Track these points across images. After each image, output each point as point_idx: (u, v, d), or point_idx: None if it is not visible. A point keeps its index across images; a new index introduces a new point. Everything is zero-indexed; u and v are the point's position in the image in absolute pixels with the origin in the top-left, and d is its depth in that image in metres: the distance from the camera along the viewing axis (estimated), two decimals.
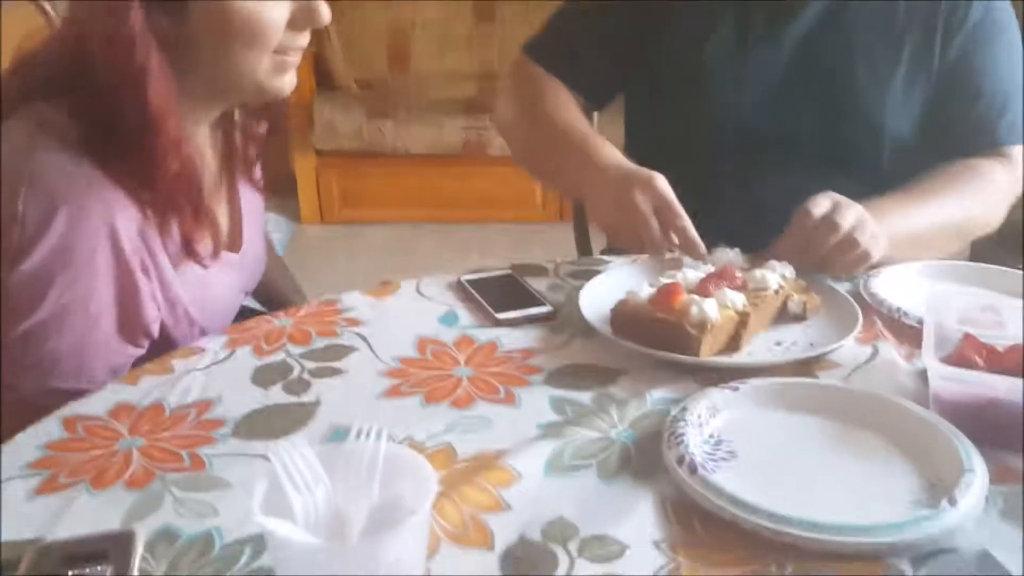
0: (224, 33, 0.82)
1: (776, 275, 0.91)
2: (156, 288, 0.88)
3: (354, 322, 0.93)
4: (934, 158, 1.13)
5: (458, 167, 3.26)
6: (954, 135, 1.13)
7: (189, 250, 0.88)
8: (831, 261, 0.95)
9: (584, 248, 1.58)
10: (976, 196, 1.10)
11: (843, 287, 0.99)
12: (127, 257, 0.84)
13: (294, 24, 0.85)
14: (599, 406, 0.78)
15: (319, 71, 3.36)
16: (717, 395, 0.75)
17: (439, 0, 3.46)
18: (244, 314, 1.23)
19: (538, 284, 1.02)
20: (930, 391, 0.74)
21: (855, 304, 0.92)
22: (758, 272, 0.91)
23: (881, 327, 0.90)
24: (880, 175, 1.13)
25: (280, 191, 3.43)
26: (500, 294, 0.98)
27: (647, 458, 0.71)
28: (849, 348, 0.86)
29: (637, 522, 0.63)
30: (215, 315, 0.97)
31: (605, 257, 1.11)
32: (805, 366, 0.84)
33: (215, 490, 0.68)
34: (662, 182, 0.96)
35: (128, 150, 0.82)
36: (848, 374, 0.83)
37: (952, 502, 0.60)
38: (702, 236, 0.98)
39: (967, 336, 0.78)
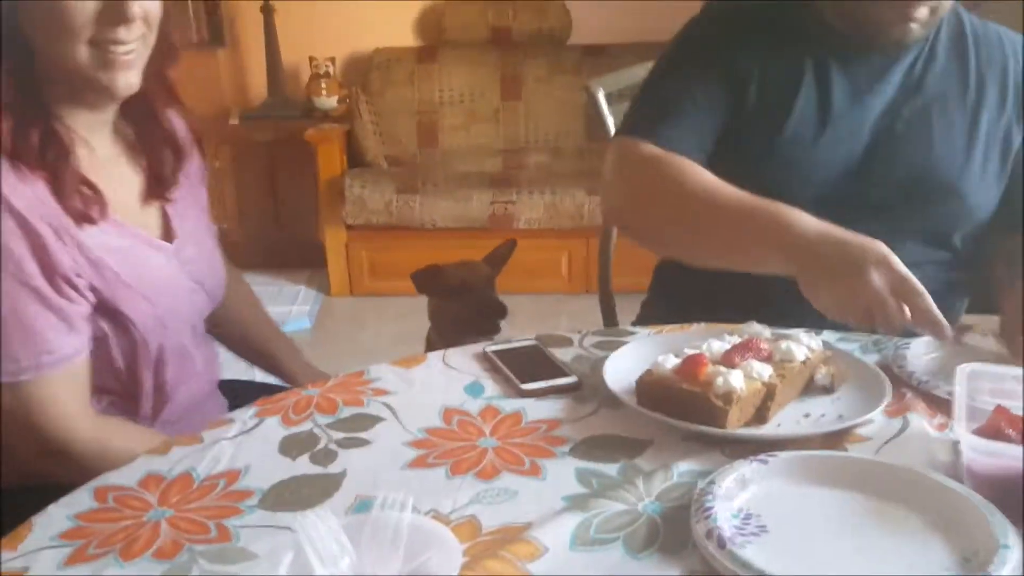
0: (37, 23, 0.89)
1: (803, 346, 0.91)
2: (73, 247, 0.92)
3: (381, 392, 0.94)
4: (1006, 235, 1.16)
5: (485, 239, 3.29)
6: None
7: (65, 207, 0.92)
8: None
9: (610, 319, 1.59)
10: None
11: (871, 359, 0.98)
12: (21, 212, 0.88)
13: (104, 19, 0.89)
14: (625, 478, 0.78)
15: (351, 149, 3.45)
16: (746, 468, 0.74)
17: (466, 78, 3.56)
18: (267, 390, 1.25)
19: (563, 355, 1.02)
20: (963, 464, 0.73)
21: (883, 376, 0.91)
22: (784, 343, 0.91)
23: (912, 398, 0.89)
24: (956, 248, 1.17)
25: (311, 264, 3.49)
26: (525, 365, 0.99)
27: (675, 532, 0.70)
28: (879, 421, 0.85)
29: None
30: (159, 292, 1.01)
31: (631, 328, 1.12)
32: (834, 439, 0.83)
33: (241, 562, 0.68)
34: (895, 257, 0.90)
35: None
36: (879, 447, 0.82)
37: None
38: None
39: (999, 408, 0.77)
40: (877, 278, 0.89)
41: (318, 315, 3.23)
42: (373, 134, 3.50)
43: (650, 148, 1.12)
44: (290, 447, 0.84)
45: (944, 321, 0.90)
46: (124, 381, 1.02)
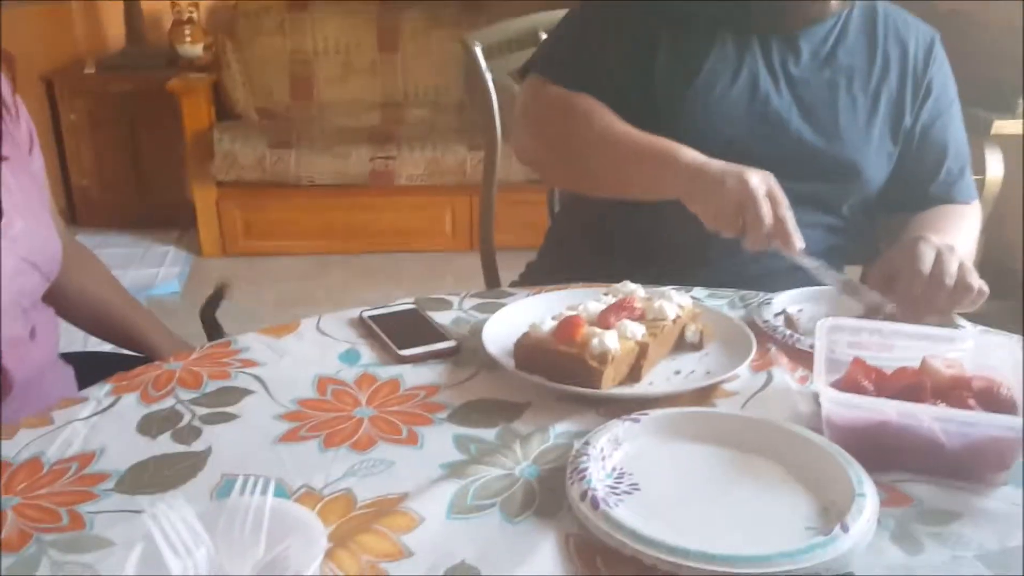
0: None
1: (674, 304, 0.92)
2: None
3: (249, 363, 0.90)
4: (895, 206, 1.25)
5: (365, 197, 3.23)
6: (923, 190, 1.25)
7: None
8: (953, 307, 0.96)
9: (492, 280, 1.58)
10: (970, 235, 1.23)
11: (737, 314, 1.01)
12: None
13: None
14: (503, 442, 0.77)
15: (219, 101, 3.29)
16: (619, 427, 0.75)
17: (341, 28, 3.44)
18: (122, 361, 1.18)
19: (442, 318, 1.00)
20: (823, 416, 0.76)
21: (749, 331, 0.94)
22: (656, 302, 0.92)
23: (775, 352, 0.93)
24: (844, 215, 1.23)
25: (179, 223, 3.32)
26: (403, 329, 0.96)
27: (550, 495, 0.70)
28: (745, 376, 0.88)
29: (539, 562, 0.63)
30: None
31: (510, 289, 1.11)
32: (704, 395, 0.85)
33: (96, 550, 0.63)
34: (771, 174, 1.00)
35: None
36: (745, 401, 0.84)
37: (844, 528, 0.62)
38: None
39: (856, 360, 0.81)
40: (756, 183, 0.98)
41: (188, 278, 3.09)
42: (242, 85, 3.34)
43: (559, 89, 1.18)
44: (150, 425, 0.79)
45: (796, 234, 0.98)
46: None
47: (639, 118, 1.13)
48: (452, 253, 3.27)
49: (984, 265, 1.26)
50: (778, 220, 0.97)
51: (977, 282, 0.95)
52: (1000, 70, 2.20)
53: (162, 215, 3.37)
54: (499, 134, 1.53)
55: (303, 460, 0.75)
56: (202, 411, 0.81)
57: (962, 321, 0.99)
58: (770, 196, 0.98)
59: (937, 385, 0.77)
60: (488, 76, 1.50)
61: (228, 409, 0.82)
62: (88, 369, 1.14)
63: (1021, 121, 2.19)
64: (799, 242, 0.98)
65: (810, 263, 1.00)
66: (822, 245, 1.21)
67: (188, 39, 3.40)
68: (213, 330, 1.32)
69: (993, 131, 2.13)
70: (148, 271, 3.02)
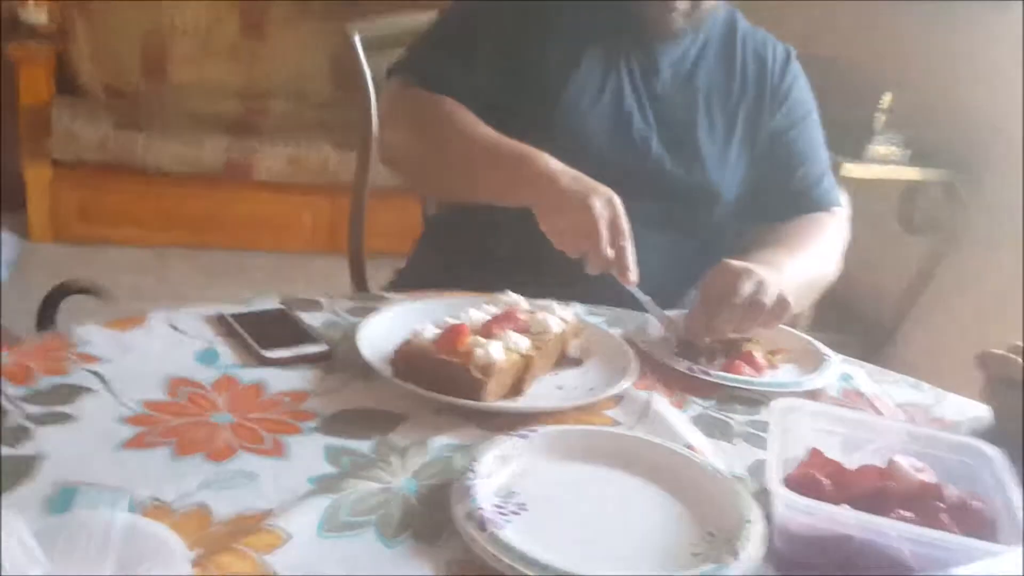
0: None
1: (557, 318, 0.90)
2: None
3: (89, 358, 0.80)
4: (753, 217, 1.25)
5: (218, 189, 3.06)
6: (779, 196, 1.25)
7: None
8: (745, 328, 0.97)
9: (360, 285, 1.51)
10: (825, 251, 1.21)
11: (617, 331, 1.00)
12: None
13: None
14: (379, 455, 0.72)
15: (61, 73, 3.03)
16: (507, 444, 0.71)
17: (202, 4, 3.25)
18: None
19: (312, 320, 0.94)
20: (774, 519, 0.66)
21: (630, 349, 0.93)
22: (540, 314, 0.89)
23: (651, 374, 0.92)
24: (706, 230, 1.23)
25: (6, 203, 3.02)
26: (268, 330, 0.89)
27: (431, 512, 0.65)
28: (627, 394, 0.86)
29: None
30: None
31: (386, 294, 1.05)
32: (587, 412, 0.83)
33: None
34: (618, 200, 0.97)
35: None
36: (627, 421, 0.83)
37: (734, 555, 0.61)
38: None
39: (814, 451, 0.72)
40: (600, 208, 0.96)
41: (17, 263, 2.80)
42: (89, 58, 3.09)
43: (419, 90, 1.15)
44: None
45: (632, 266, 0.97)
46: None
47: (505, 130, 1.10)
48: (307, 255, 3.14)
49: (822, 299, 1.31)
50: (618, 249, 0.96)
51: (771, 302, 0.95)
52: (850, 114, 2.33)
53: None
54: (374, 132, 1.47)
55: (152, 469, 0.66)
56: (33, 410, 0.71)
57: (825, 349, 1.02)
58: (613, 224, 0.97)
59: (905, 491, 0.67)
60: (367, 72, 1.44)
61: (63, 408, 0.72)
62: None
63: (868, 165, 2.34)
64: (634, 275, 0.97)
65: (641, 296, 1.00)
66: (679, 266, 1.21)
67: (31, 3, 3.11)
68: (47, 320, 1.19)
69: (842, 173, 2.25)
70: None
